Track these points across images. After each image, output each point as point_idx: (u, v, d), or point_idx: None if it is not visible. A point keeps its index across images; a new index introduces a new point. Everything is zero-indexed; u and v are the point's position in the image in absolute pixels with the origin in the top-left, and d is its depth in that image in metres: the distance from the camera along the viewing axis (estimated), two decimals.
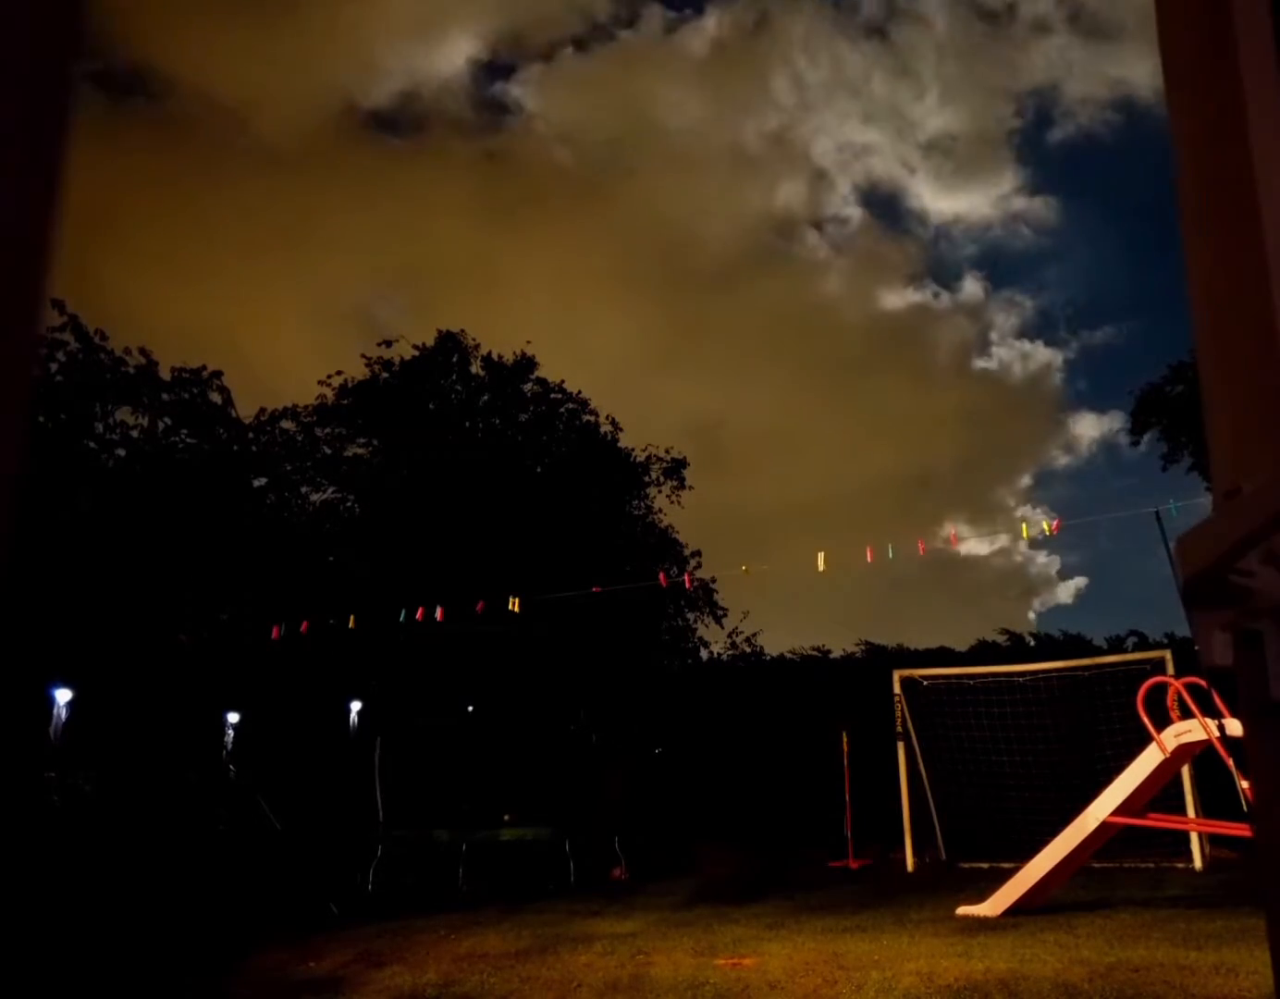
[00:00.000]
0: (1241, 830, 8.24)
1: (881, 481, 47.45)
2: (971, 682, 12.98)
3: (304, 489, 21.70)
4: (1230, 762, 7.33)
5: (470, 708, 16.52)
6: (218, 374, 19.80)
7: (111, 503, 17.27)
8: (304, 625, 13.44)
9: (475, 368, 23.00)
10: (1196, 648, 0.79)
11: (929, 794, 12.94)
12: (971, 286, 47.53)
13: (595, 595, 14.56)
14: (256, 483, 20.67)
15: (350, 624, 13.30)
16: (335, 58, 43.04)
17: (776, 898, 9.73)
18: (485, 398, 22.92)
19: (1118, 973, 5.67)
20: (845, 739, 13.78)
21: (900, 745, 12.94)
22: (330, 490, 21.97)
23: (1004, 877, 8.64)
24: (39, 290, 0.60)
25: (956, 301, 47.16)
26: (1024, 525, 13.32)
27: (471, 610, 13.00)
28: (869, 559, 12.39)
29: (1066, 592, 40.78)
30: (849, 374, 49.72)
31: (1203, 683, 7.65)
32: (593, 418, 23.40)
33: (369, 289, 40.52)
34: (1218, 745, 7.47)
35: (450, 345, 22.74)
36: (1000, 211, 46.63)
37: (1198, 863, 11.19)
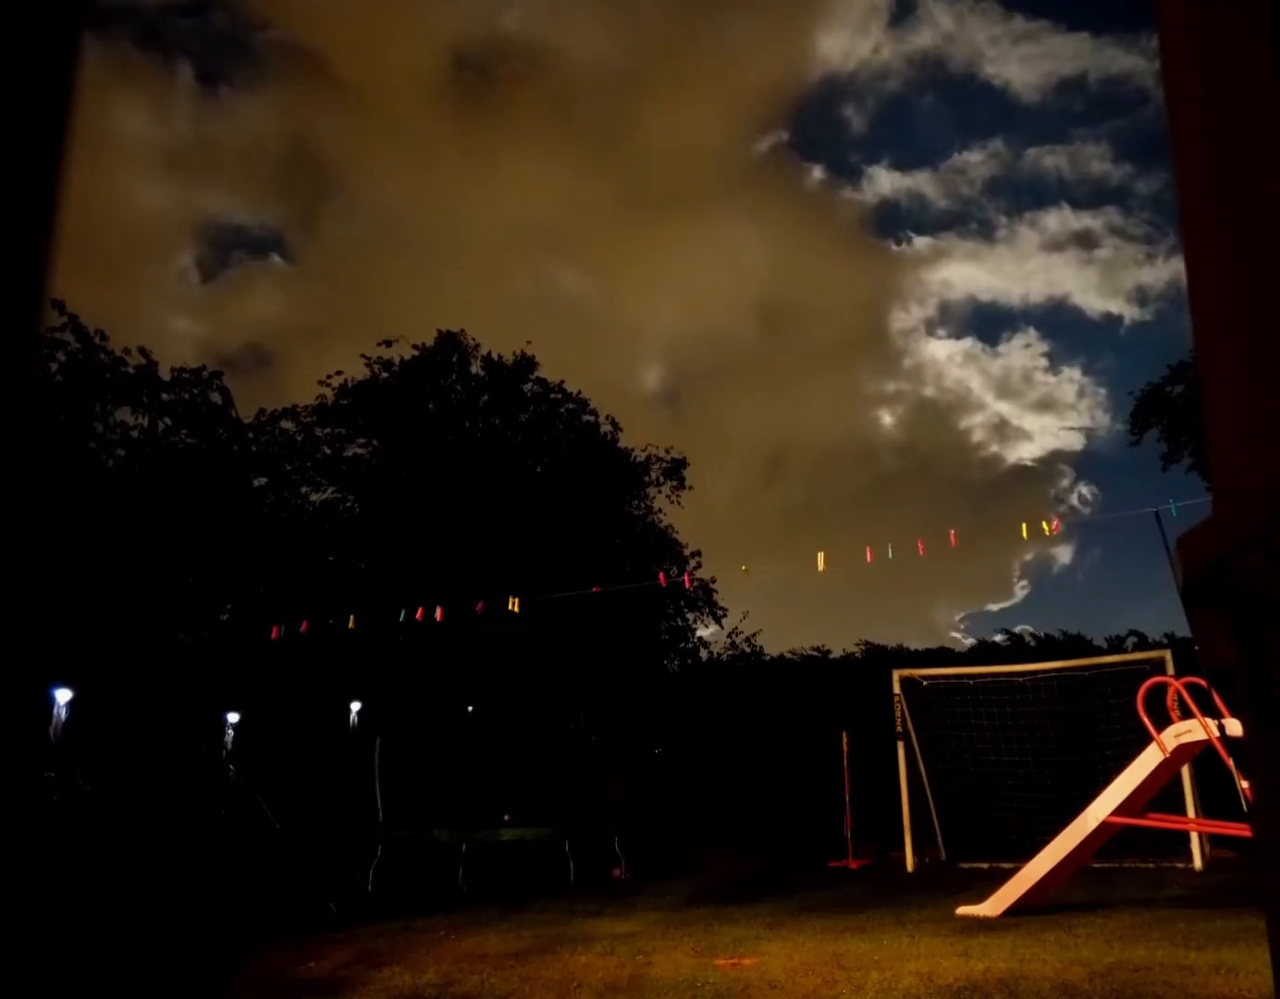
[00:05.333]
0: (1241, 830, 8.23)
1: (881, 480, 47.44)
2: (971, 682, 12.98)
3: (304, 489, 21.70)
4: (1230, 762, 7.33)
5: (470, 708, 16.52)
6: (218, 374, 19.79)
7: (111, 503, 17.26)
8: (304, 625, 13.43)
9: (475, 368, 23.00)
10: (1196, 648, 0.79)
11: (929, 794, 12.94)
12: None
13: (595, 595, 14.55)
14: (256, 483, 20.66)
15: (350, 624, 13.30)
16: None
17: (776, 898, 9.72)
18: (485, 398, 22.91)
19: (1118, 973, 5.67)
20: (845, 739, 13.79)
21: (900, 745, 12.94)
22: (330, 490, 21.97)
23: (1004, 877, 8.64)
24: (39, 290, 0.60)
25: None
26: (1023, 524, 13.32)
27: (471, 610, 13.00)
28: (869, 559, 12.40)
29: (1065, 591, 40.77)
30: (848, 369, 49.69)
31: (1203, 683, 7.65)
32: (592, 418, 23.41)
33: None
34: (1218, 745, 7.47)
35: (450, 345, 22.72)
36: None
37: (1198, 863, 11.18)
